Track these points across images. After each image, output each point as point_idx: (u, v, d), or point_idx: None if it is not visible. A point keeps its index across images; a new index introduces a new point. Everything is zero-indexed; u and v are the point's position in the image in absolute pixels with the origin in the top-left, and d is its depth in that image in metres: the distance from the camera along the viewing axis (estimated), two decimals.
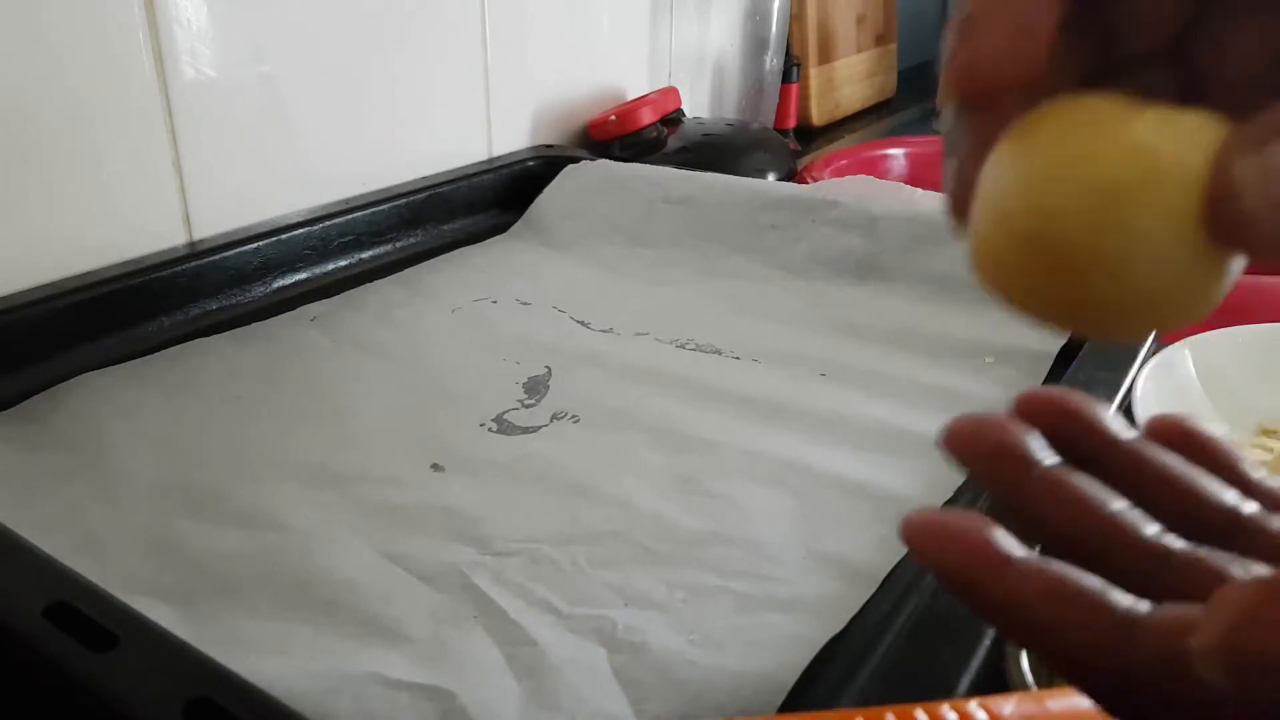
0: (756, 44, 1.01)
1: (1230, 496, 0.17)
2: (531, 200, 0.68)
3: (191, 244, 0.55)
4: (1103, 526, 0.16)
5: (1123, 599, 0.15)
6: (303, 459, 0.40)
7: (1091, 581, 0.15)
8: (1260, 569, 0.15)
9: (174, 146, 0.54)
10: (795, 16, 1.04)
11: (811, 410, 0.44)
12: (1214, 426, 0.18)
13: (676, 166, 0.69)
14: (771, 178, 0.78)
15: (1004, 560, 0.15)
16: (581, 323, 0.54)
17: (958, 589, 0.15)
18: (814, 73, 1.07)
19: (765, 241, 0.61)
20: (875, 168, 0.85)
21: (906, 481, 0.38)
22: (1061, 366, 0.45)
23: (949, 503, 0.37)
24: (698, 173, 0.67)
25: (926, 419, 0.43)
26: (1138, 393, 0.40)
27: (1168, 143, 0.15)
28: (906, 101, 1.25)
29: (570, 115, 0.83)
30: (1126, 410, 0.39)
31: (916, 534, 0.15)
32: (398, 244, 0.63)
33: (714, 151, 0.78)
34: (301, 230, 0.57)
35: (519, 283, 0.59)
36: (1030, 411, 0.17)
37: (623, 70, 0.89)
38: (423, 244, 0.64)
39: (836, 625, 0.30)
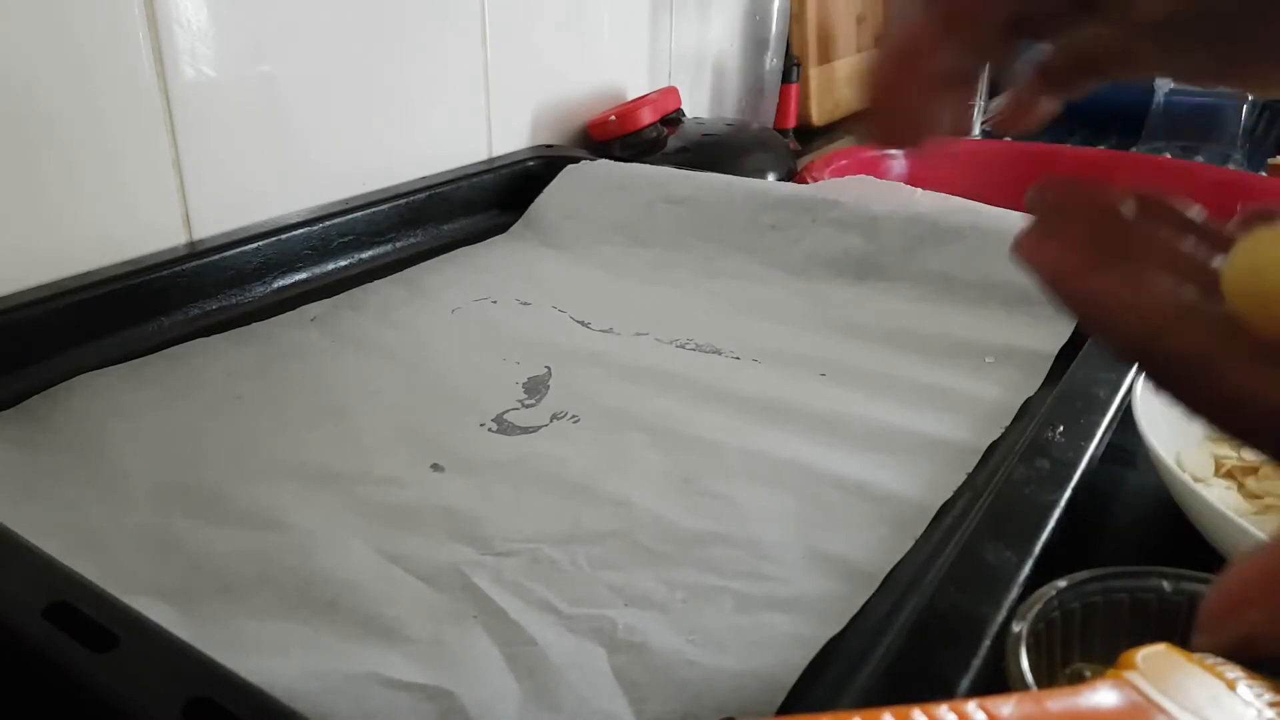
0: (756, 44, 1.02)
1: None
2: (531, 200, 0.68)
3: (191, 244, 0.55)
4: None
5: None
6: (303, 459, 0.40)
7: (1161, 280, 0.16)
8: None
9: (174, 146, 0.54)
10: (795, 16, 1.04)
11: (811, 410, 0.44)
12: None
13: (676, 166, 0.69)
14: (771, 178, 0.78)
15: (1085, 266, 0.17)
16: (581, 323, 0.54)
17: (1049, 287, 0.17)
18: (814, 73, 1.07)
19: (765, 241, 0.61)
20: (875, 168, 0.85)
21: (906, 481, 0.38)
22: (1061, 366, 0.45)
23: (948, 503, 0.37)
24: (698, 173, 0.67)
25: (926, 419, 0.43)
26: (1138, 393, 0.40)
27: None
28: None
29: (570, 115, 0.83)
30: (1126, 410, 0.39)
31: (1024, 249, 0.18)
32: (398, 244, 0.63)
33: (714, 151, 0.78)
34: (301, 230, 0.57)
35: (519, 283, 0.59)
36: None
37: (623, 70, 0.89)
38: (423, 244, 0.64)
39: (836, 625, 0.30)
